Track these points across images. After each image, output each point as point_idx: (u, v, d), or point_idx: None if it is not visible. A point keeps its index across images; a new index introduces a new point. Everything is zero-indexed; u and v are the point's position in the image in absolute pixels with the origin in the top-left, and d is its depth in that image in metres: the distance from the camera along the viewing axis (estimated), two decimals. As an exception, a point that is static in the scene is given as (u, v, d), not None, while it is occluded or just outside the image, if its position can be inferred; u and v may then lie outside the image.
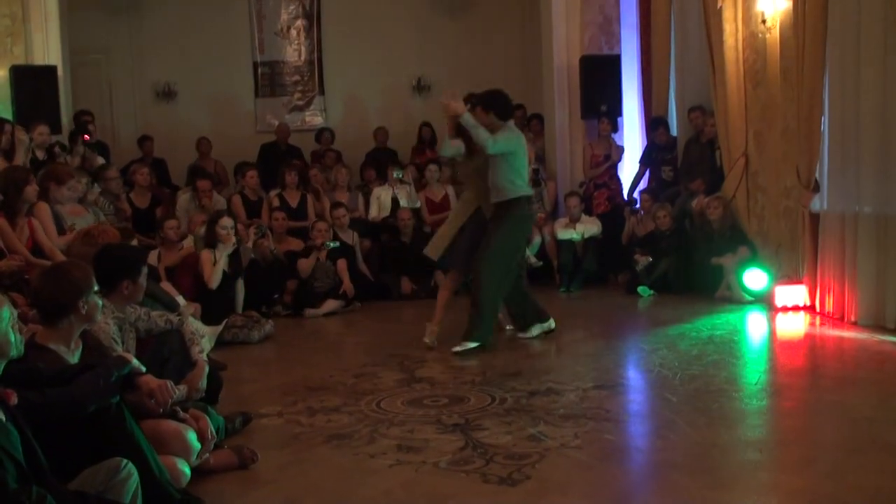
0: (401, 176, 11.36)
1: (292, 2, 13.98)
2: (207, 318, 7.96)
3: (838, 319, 7.92)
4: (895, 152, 7.45)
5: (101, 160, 10.19)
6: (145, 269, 5.04)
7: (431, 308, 9.60)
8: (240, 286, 8.83)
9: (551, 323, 7.82)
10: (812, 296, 8.38)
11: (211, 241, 8.73)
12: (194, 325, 5.53)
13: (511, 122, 7.56)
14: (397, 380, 6.44)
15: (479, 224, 7.47)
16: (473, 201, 7.59)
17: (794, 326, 8.00)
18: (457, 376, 6.46)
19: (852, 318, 7.78)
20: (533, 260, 10.69)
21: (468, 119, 7.17)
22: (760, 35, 9.03)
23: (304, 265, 9.58)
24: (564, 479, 4.42)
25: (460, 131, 7.34)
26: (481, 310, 7.26)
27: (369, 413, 5.62)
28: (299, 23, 14.01)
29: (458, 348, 7.19)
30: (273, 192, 10.87)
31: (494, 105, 7.39)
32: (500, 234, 7.28)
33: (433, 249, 7.67)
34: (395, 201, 11.11)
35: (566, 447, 4.84)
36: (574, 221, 10.66)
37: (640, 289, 9.76)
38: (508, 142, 7.29)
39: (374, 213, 11.21)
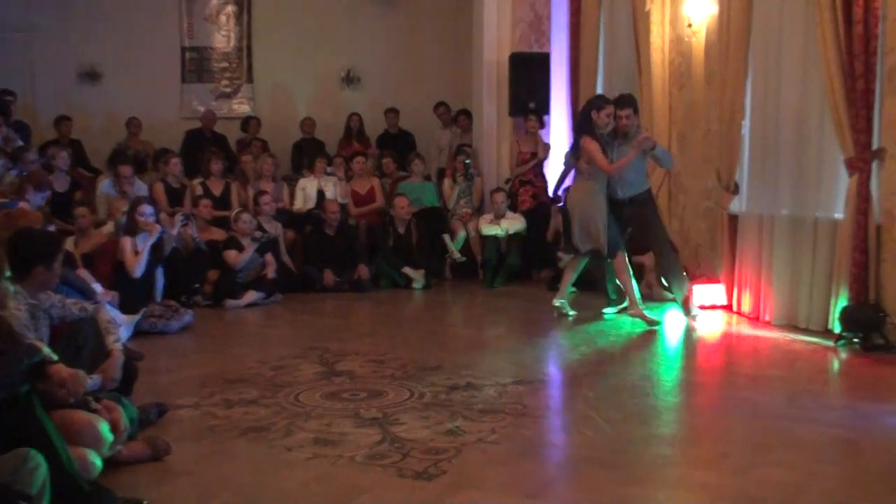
0: (332, 171, 11.33)
1: (222, -14, 13.78)
2: (125, 307, 7.82)
3: (754, 319, 8.11)
4: (811, 157, 7.64)
5: (19, 142, 9.94)
6: (61, 256, 4.91)
7: (354, 300, 9.64)
8: (159, 275, 8.70)
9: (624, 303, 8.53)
10: (729, 295, 8.55)
11: (131, 228, 8.58)
12: (110, 313, 5.41)
13: None
14: (317, 373, 6.40)
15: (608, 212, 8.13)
16: (598, 192, 8.08)
17: (710, 325, 8.15)
18: (376, 370, 6.45)
19: (767, 318, 7.97)
20: (457, 255, 10.75)
21: (660, 148, 8.11)
22: (686, 38, 9.18)
23: (236, 258, 9.43)
24: (480, 473, 4.44)
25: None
26: (677, 276, 8.27)
27: (287, 406, 5.58)
28: (229, 9, 13.82)
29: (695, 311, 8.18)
30: (196, 180, 10.72)
31: (638, 109, 8.34)
32: (657, 216, 8.43)
33: (595, 242, 8.13)
34: (320, 193, 11.04)
35: (483, 442, 4.86)
36: (499, 217, 10.72)
37: (562, 285, 9.84)
38: None
39: (298, 204, 11.14)
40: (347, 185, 11.32)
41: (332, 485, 4.31)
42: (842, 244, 7.22)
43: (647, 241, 8.44)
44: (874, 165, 7.05)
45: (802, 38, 7.59)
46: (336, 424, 5.18)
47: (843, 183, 7.26)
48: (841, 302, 7.18)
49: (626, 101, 8.15)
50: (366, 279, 10.17)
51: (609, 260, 8.20)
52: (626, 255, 8.20)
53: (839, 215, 7.33)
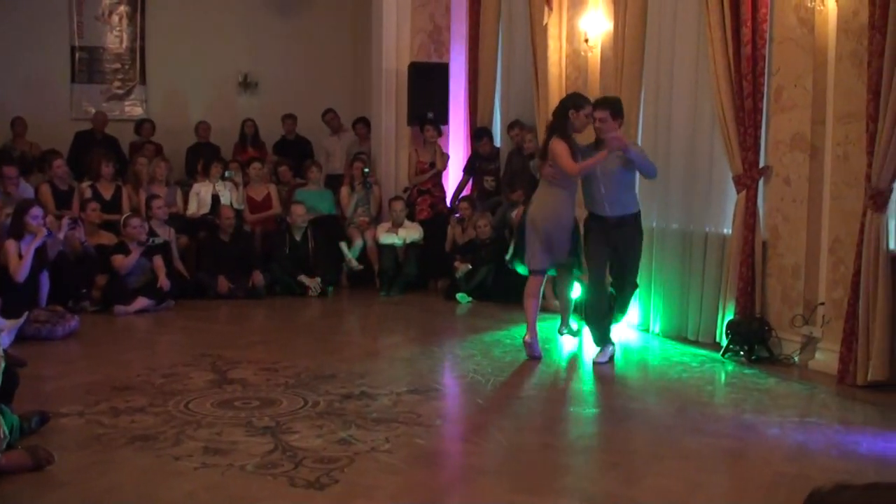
0: (231, 175, 11.16)
1: (115, -14, 13.44)
2: (7, 312, 7.55)
3: (645, 330, 8.26)
4: (701, 172, 7.83)
5: None
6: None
7: (248, 307, 9.48)
8: (44, 279, 8.42)
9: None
10: (621, 307, 8.69)
11: (16, 231, 8.29)
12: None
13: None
14: (208, 381, 6.28)
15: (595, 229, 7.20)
16: (566, 201, 7.23)
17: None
18: (270, 378, 6.36)
19: (657, 329, 8.14)
20: (353, 263, 10.70)
21: (638, 152, 6.98)
22: (582, 53, 9.33)
23: (122, 262, 9.19)
24: (373, 483, 4.41)
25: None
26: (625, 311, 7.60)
27: (177, 414, 5.45)
28: (122, 8, 13.48)
29: (601, 358, 7.13)
30: (85, 183, 10.42)
31: (621, 114, 7.08)
32: (640, 246, 7.28)
33: (560, 256, 7.34)
34: (215, 198, 10.86)
35: (376, 451, 4.83)
36: (397, 226, 10.71)
37: (458, 295, 9.89)
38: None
39: (192, 209, 10.93)
40: (243, 190, 11.17)
41: (221, 495, 4.22)
42: (730, 259, 7.41)
43: (623, 269, 7.22)
44: (761, 182, 7.26)
45: (694, 57, 7.79)
46: (227, 433, 5.09)
47: (732, 199, 7.46)
48: (728, 315, 7.38)
49: (605, 103, 7.05)
50: (260, 286, 10.03)
51: (577, 274, 7.65)
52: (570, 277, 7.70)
53: (728, 230, 7.54)
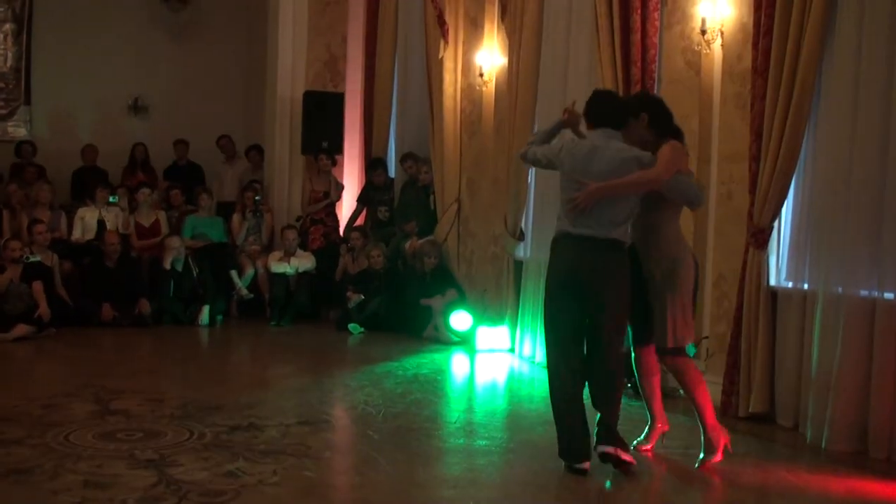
0: (116, 200, 10.89)
1: (0, 3, 13.02)
2: None
3: (535, 362, 8.33)
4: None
5: None
6: None
7: (134, 336, 9.22)
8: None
9: None
10: (513, 338, 8.77)
11: None
12: None
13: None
14: (90, 412, 6.07)
15: None
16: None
17: (494, 367, 8.32)
18: (155, 410, 6.18)
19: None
20: (244, 292, 10.55)
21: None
22: (478, 87, 9.45)
23: (-2, 281, 8.88)
24: (260, 516, 4.32)
25: None
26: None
27: (56, 447, 5.25)
28: (7, 27, 13.07)
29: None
30: (-38, 207, 10.04)
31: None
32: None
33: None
34: (101, 224, 10.57)
35: (264, 483, 4.73)
36: (289, 255, 10.61)
37: (350, 326, 9.82)
38: None
39: (77, 234, 10.63)
40: (130, 216, 10.90)
41: (100, 531, 4.08)
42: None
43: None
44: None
45: (585, 94, 7.86)
46: (108, 466, 4.91)
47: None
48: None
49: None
50: (147, 314, 9.79)
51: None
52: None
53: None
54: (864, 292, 5.64)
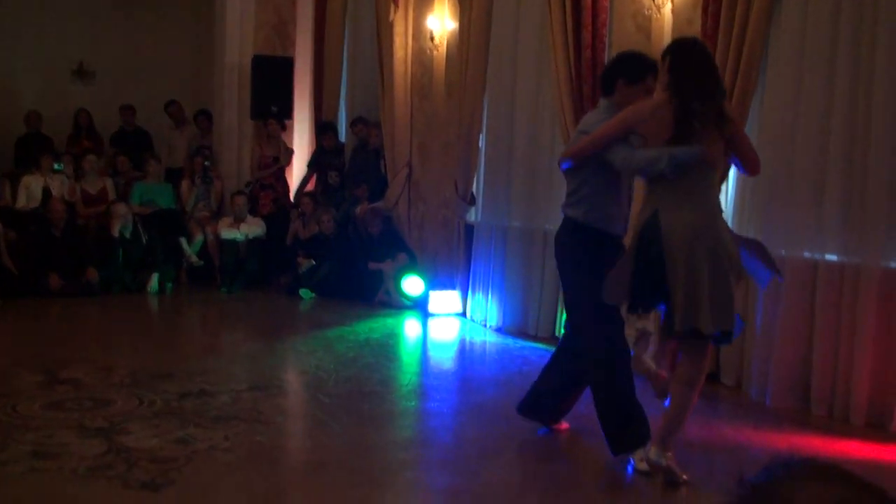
0: (61, 168, 10.71)
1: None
2: None
3: (486, 325, 8.39)
4: (542, 171, 7.99)
5: None
6: None
7: (82, 305, 9.11)
8: None
9: None
10: (464, 302, 8.82)
11: None
12: None
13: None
14: (37, 382, 6.01)
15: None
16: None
17: (446, 331, 8.37)
18: (104, 378, 6.13)
19: (498, 325, 8.28)
20: (194, 259, 10.47)
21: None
22: (428, 51, 9.40)
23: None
24: (211, 482, 4.33)
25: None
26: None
27: (2, 418, 5.19)
28: (-54, -11, 12.76)
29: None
30: None
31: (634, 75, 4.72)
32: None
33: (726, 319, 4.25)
34: (46, 191, 10.41)
35: (215, 449, 4.73)
36: (239, 221, 10.53)
37: (301, 291, 9.81)
38: None
39: (21, 202, 10.45)
40: (76, 184, 10.74)
41: (49, 500, 4.07)
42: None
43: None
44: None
45: (536, 58, 7.95)
46: (57, 435, 4.88)
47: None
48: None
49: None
50: (95, 282, 9.68)
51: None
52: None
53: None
54: (806, 254, 5.76)
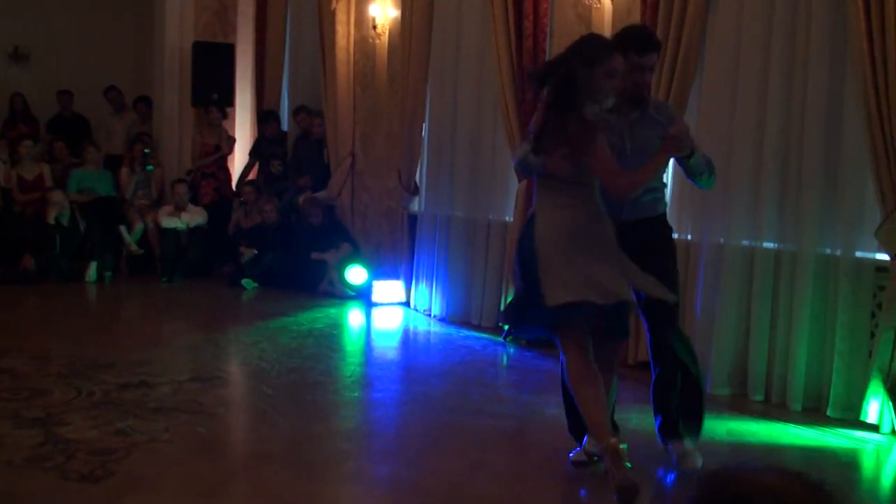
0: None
1: None
2: None
3: (429, 315, 8.40)
4: (485, 162, 8.01)
5: None
6: None
7: (18, 293, 8.94)
8: None
9: None
10: (407, 292, 8.82)
11: None
12: None
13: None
14: (-29, 372, 5.91)
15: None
16: (602, 215, 4.31)
17: (389, 321, 8.37)
18: (41, 368, 6.04)
19: (442, 314, 8.29)
20: (133, 247, 10.33)
21: (700, 155, 4.43)
22: (371, 40, 9.37)
23: None
24: (152, 474, 4.28)
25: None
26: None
27: (-65, 408, 5.10)
28: None
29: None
30: None
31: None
32: (672, 254, 4.66)
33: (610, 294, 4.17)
34: (-21, 178, 10.20)
35: (156, 441, 4.69)
36: (180, 210, 10.41)
37: (244, 281, 9.73)
38: None
39: (-45, 189, 10.24)
40: (12, 170, 10.52)
41: (-15, 492, 3.99)
42: (511, 245, 7.62)
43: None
44: (540, 171, 7.50)
45: (478, 48, 7.96)
46: (-8, 427, 4.80)
47: (514, 187, 7.68)
48: (510, 300, 7.58)
49: (651, 42, 4.43)
50: (31, 270, 9.49)
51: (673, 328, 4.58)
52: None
53: (510, 218, 7.75)
54: (745, 242, 5.86)
